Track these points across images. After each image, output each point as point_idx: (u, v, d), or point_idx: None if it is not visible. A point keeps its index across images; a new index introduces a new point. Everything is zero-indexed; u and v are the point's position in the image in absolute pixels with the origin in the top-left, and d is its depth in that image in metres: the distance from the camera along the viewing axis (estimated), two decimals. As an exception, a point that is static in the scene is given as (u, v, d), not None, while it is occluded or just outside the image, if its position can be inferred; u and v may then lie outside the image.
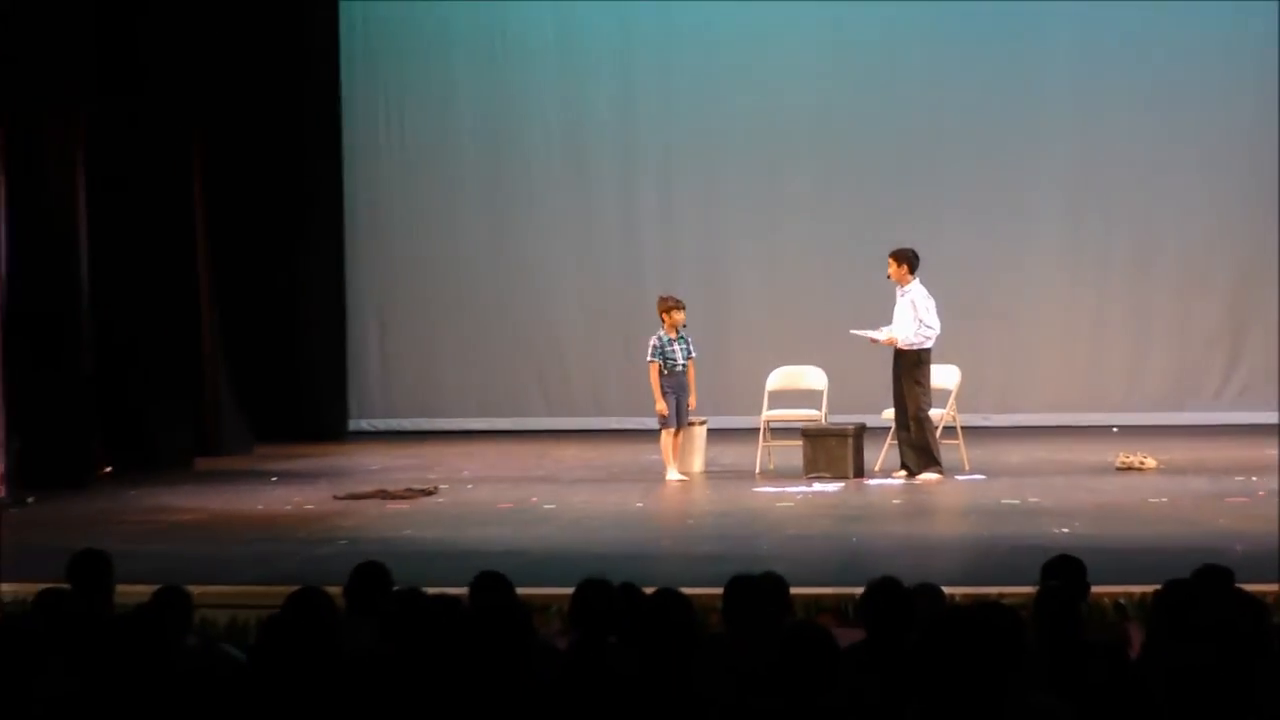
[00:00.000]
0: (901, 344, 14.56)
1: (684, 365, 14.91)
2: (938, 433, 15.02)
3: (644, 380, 15.42)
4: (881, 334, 14.67)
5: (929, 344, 14.61)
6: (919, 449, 14.67)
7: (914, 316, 14.54)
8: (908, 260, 14.68)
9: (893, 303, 14.66)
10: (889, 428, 15.22)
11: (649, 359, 14.97)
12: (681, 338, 14.93)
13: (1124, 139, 17.94)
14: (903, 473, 14.66)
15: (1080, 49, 17.96)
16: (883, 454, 15.21)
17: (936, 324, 14.58)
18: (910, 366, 14.61)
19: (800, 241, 17.58)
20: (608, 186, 18.52)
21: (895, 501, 14.03)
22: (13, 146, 15.02)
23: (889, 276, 14.69)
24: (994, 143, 18.01)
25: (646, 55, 18.35)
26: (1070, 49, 17.98)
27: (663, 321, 14.97)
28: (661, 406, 14.82)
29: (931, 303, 14.61)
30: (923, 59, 18.03)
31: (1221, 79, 17.81)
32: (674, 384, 14.85)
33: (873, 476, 14.90)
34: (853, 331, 14.85)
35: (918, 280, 14.65)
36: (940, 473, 14.62)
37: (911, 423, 14.65)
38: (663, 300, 15.08)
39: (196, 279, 17.12)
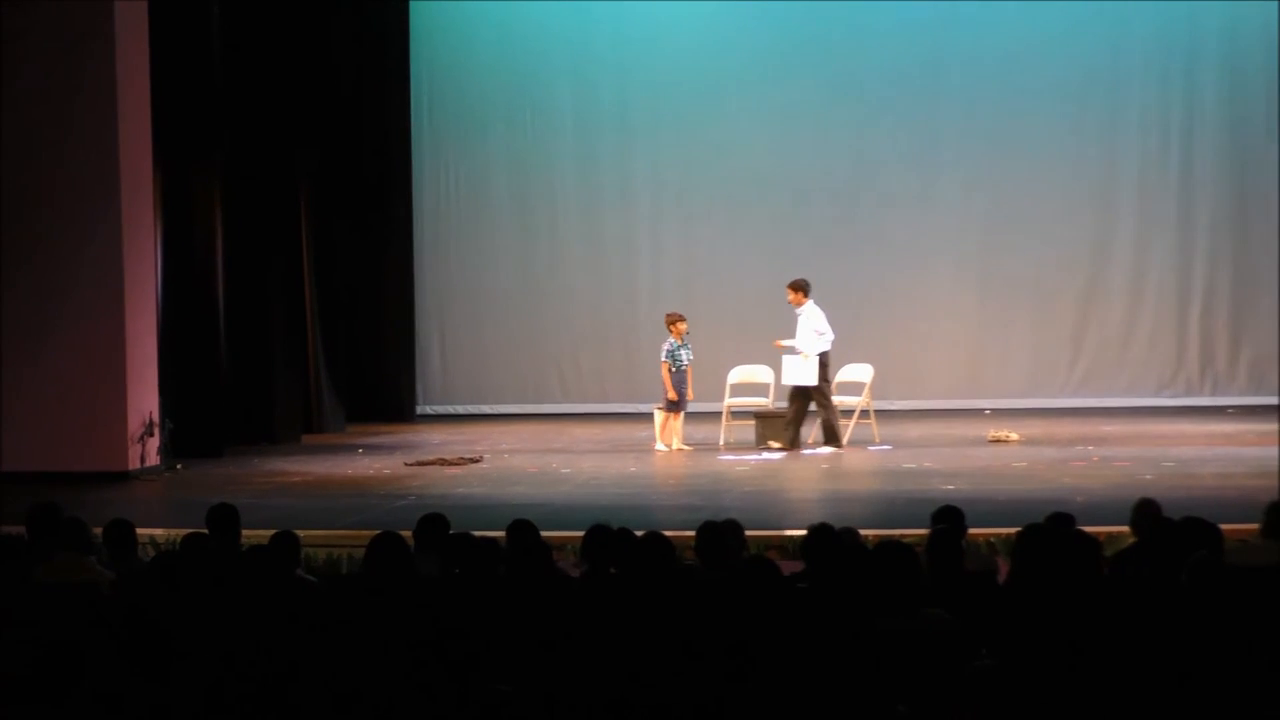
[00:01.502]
0: (809, 354, 14.56)
1: (687, 364, 14.93)
2: (854, 416, 15.06)
3: (638, 374, 15.41)
4: (795, 344, 14.67)
5: (828, 348, 14.56)
6: (795, 424, 14.64)
7: (812, 329, 14.54)
8: (802, 288, 14.72)
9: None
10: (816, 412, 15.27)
11: (663, 359, 14.95)
12: (685, 344, 14.96)
13: (992, 201, 17.87)
14: (827, 447, 14.62)
15: (960, 130, 17.89)
16: (814, 430, 15.18)
17: (830, 331, 14.59)
18: (822, 365, 14.60)
19: (754, 269, 17.49)
20: (611, 228, 18.47)
21: (824, 466, 14.02)
22: (166, 191, 15.03)
23: (789, 302, 14.70)
24: (898, 200, 17.94)
25: (641, 129, 18.30)
26: (953, 126, 17.90)
27: (670, 331, 15.01)
28: (672, 394, 14.83)
29: (822, 315, 14.60)
30: (849, 129, 17.94)
31: (1074, 141, 17.77)
32: (678, 379, 14.86)
33: (806, 447, 14.87)
34: (776, 343, 14.85)
35: (811, 301, 14.65)
36: (796, 449, 14.54)
37: (823, 403, 14.63)
38: (669, 316, 15.13)
39: (304, 296, 17.08)
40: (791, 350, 14.62)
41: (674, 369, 14.89)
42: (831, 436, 14.63)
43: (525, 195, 18.56)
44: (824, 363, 14.61)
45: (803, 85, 17.95)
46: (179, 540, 7.97)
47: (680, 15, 18.09)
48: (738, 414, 15.30)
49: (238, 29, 15.82)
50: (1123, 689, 4.76)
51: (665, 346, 15.01)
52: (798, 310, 14.67)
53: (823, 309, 14.64)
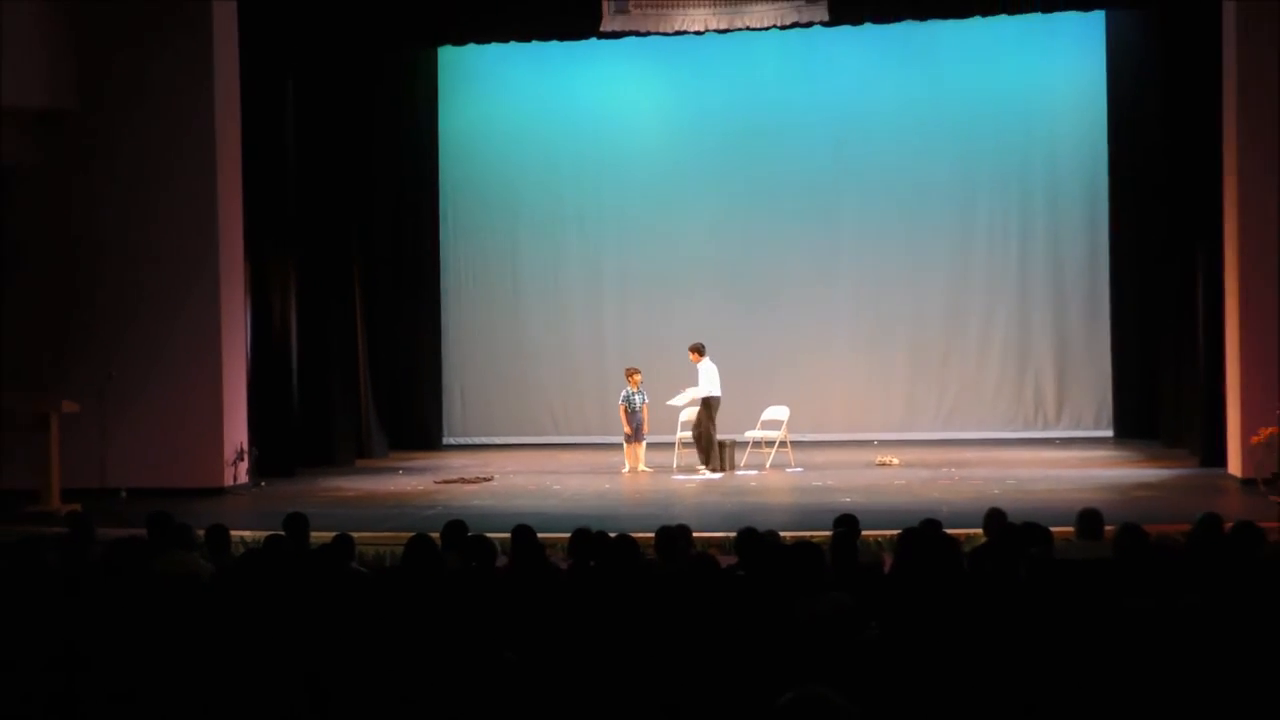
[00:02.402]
0: (702, 396, 14.57)
1: (640, 406, 14.95)
2: (775, 445, 15.07)
3: (610, 414, 15.36)
4: (688, 394, 14.70)
5: (717, 394, 14.57)
6: (706, 450, 14.58)
7: (706, 379, 14.57)
8: (698, 349, 14.78)
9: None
10: (747, 442, 15.24)
11: (619, 403, 15.04)
12: (639, 391, 14.98)
13: (877, 282, 17.82)
14: (706, 469, 14.54)
15: (852, 229, 17.90)
16: (745, 457, 15.19)
17: (718, 381, 14.60)
18: (707, 407, 14.59)
19: (696, 333, 16.95)
20: (590, 302, 18.35)
21: (752, 484, 14.04)
22: (254, 276, 15.02)
23: (691, 360, 14.77)
24: (807, 282, 17.88)
25: (613, 228, 18.21)
26: (848, 226, 17.90)
27: (628, 381, 15.07)
28: (626, 429, 14.91)
29: (714, 369, 14.65)
30: (768, 229, 17.90)
31: (938, 238, 17.78)
32: (632, 418, 14.91)
33: (738, 469, 14.88)
34: (672, 403, 14.89)
35: (707, 359, 14.69)
36: (715, 471, 14.48)
37: (704, 437, 14.59)
38: (627, 370, 15.19)
39: (357, 352, 16.95)
40: (692, 397, 14.67)
41: (629, 410, 14.92)
42: (708, 461, 14.56)
43: (526, 276, 18.51)
44: (715, 405, 14.60)
45: (734, 197, 17.93)
46: (262, 540, 7.96)
47: (643, 146, 18.11)
48: (687, 444, 15.23)
49: (307, 147, 15.88)
50: (977, 652, 4.79)
51: (622, 393, 15.06)
52: (697, 365, 14.73)
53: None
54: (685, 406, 14.90)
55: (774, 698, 3.46)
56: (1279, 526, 9.83)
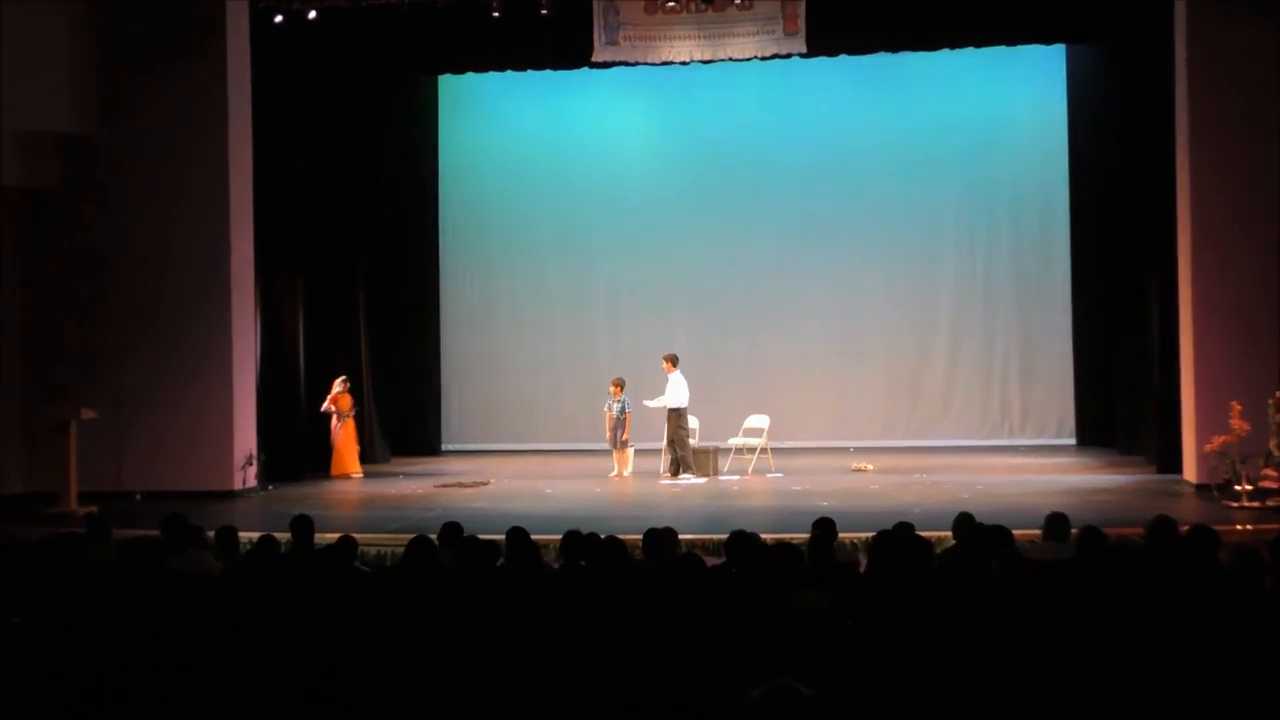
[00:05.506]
0: (671, 405, 14.51)
1: (620, 414, 14.89)
2: (757, 452, 15.02)
3: (599, 421, 15.32)
4: (659, 401, 14.64)
5: (685, 404, 14.49)
6: (680, 459, 14.48)
7: (675, 388, 14.49)
8: (671, 359, 14.72)
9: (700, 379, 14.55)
10: (729, 448, 15.17)
11: (604, 410, 14.99)
12: (621, 401, 14.93)
13: (853, 299, 17.83)
14: (686, 476, 14.36)
15: (829, 250, 17.89)
16: (728, 462, 15.14)
17: (685, 392, 14.50)
18: (675, 416, 14.52)
19: (678, 346, 17.21)
20: (581, 317, 18.34)
21: (734, 488, 14.01)
22: (264, 291, 14.99)
23: (665, 370, 14.71)
24: (787, 298, 17.90)
25: (603, 246, 18.22)
26: (824, 248, 17.87)
27: (610, 393, 15.02)
28: (609, 437, 14.87)
29: (683, 382, 14.56)
30: (749, 249, 17.90)
31: (909, 257, 17.80)
32: (615, 423, 14.86)
33: (721, 475, 14.84)
34: (645, 402, 14.86)
35: (678, 370, 14.62)
36: (698, 476, 14.39)
37: (676, 445, 14.50)
38: (612, 381, 15.12)
39: (360, 362, 16.91)
40: (660, 404, 14.62)
41: (614, 416, 14.87)
42: (687, 468, 14.49)
43: (520, 291, 18.48)
44: (682, 415, 14.54)
45: (716, 219, 17.91)
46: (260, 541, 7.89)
47: (631, 171, 18.09)
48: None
49: (315, 170, 15.89)
50: (949, 648, 4.75)
51: (606, 403, 15.05)
52: (669, 375, 14.66)
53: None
54: (655, 408, 14.85)
55: (749, 690, 3.43)
56: (1234, 529, 9.82)
